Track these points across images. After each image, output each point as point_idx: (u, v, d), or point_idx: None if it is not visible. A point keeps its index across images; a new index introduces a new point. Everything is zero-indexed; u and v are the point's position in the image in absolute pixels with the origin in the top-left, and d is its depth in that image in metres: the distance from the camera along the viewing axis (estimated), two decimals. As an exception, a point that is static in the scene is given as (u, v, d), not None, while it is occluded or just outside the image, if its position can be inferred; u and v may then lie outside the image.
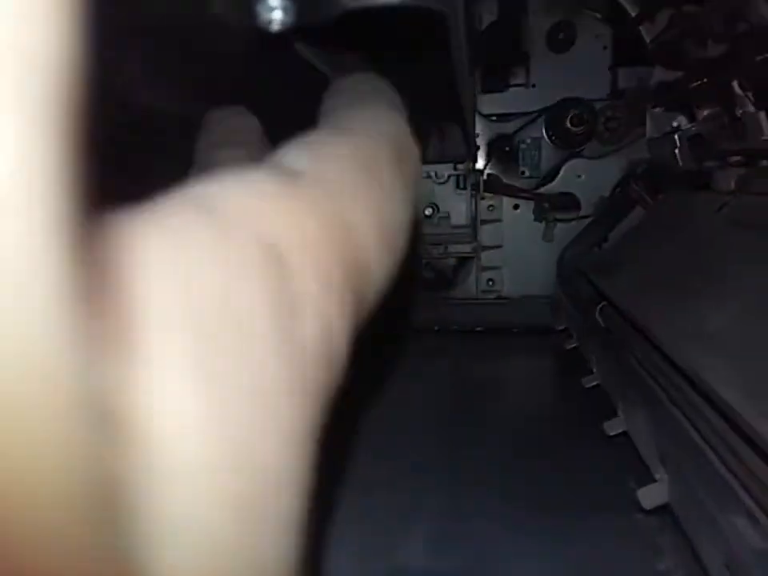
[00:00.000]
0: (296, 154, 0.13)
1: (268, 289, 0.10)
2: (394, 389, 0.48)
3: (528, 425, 0.40)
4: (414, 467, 0.35)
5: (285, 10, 0.15)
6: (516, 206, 0.67)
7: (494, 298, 0.68)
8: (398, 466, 0.35)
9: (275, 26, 0.15)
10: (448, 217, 0.66)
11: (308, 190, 0.12)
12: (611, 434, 0.34)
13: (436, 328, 0.66)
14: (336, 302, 0.11)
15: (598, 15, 0.63)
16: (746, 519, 0.21)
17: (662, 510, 0.27)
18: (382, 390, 0.47)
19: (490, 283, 0.68)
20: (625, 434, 0.34)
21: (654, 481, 0.27)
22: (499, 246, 0.67)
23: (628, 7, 0.59)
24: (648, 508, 0.26)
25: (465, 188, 0.66)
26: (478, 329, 0.66)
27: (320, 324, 0.11)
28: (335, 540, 0.28)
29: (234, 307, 0.09)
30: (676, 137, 0.49)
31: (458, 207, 0.66)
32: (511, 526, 0.29)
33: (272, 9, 0.15)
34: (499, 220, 0.67)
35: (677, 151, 0.49)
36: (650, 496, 0.27)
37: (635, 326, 0.38)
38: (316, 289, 0.11)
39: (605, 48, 0.63)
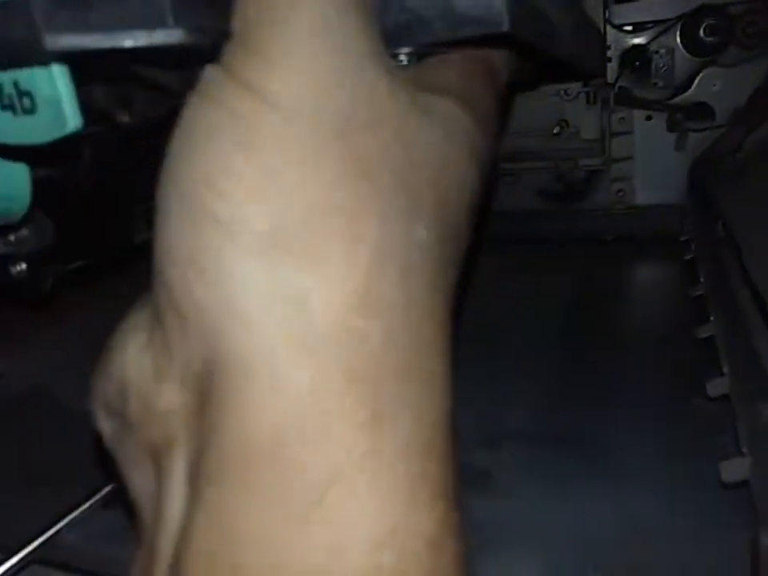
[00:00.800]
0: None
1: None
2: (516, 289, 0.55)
3: (629, 327, 0.46)
4: (528, 348, 0.44)
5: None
6: (649, 117, 0.68)
7: (625, 209, 0.71)
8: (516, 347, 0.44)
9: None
10: (578, 132, 0.69)
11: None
12: (701, 336, 0.39)
13: (564, 238, 0.71)
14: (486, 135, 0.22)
15: None
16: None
17: (725, 398, 0.33)
18: (502, 293, 0.55)
19: (621, 194, 0.71)
20: (713, 337, 0.39)
21: (723, 375, 0.33)
22: (630, 158, 0.69)
23: None
24: (712, 396, 0.33)
25: (595, 103, 0.68)
26: (608, 238, 0.71)
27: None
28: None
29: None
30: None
31: (588, 122, 0.69)
32: (607, 402, 0.37)
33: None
34: (630, 132, 0.68)
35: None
36: (715, 387, 0.33)
37: (740, 241, 0.42)
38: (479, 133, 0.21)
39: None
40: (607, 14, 0.66)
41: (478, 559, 0.26)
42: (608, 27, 0.67)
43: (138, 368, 0.18)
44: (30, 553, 0.29)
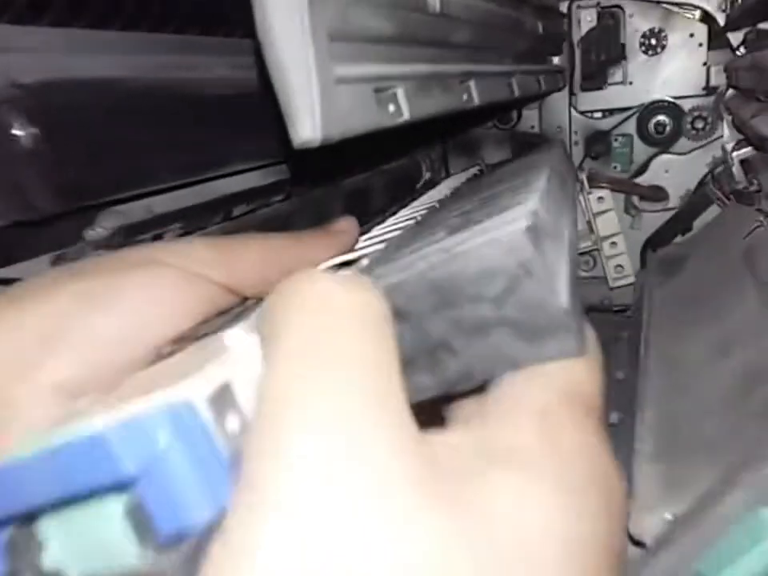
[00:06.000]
0: None
1: None
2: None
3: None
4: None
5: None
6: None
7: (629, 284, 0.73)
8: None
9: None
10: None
11: None
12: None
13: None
14: None
15: (691, 16, 0.67)
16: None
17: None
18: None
19: (619, 268, 0.75)
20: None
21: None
22: (618, 233, 0.73)
23: (717, 17, 0.64)
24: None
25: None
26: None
27: None
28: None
29: None
30: (731, 155, 0.57)
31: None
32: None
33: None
34: (611, 209, 0.73)
35: (733, 169, 0.57)
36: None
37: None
38: None
39: (700, 45, 0.67)
40: (574, 101, 0.74)
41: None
42: (573, 113, 0.74)
43: None
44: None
